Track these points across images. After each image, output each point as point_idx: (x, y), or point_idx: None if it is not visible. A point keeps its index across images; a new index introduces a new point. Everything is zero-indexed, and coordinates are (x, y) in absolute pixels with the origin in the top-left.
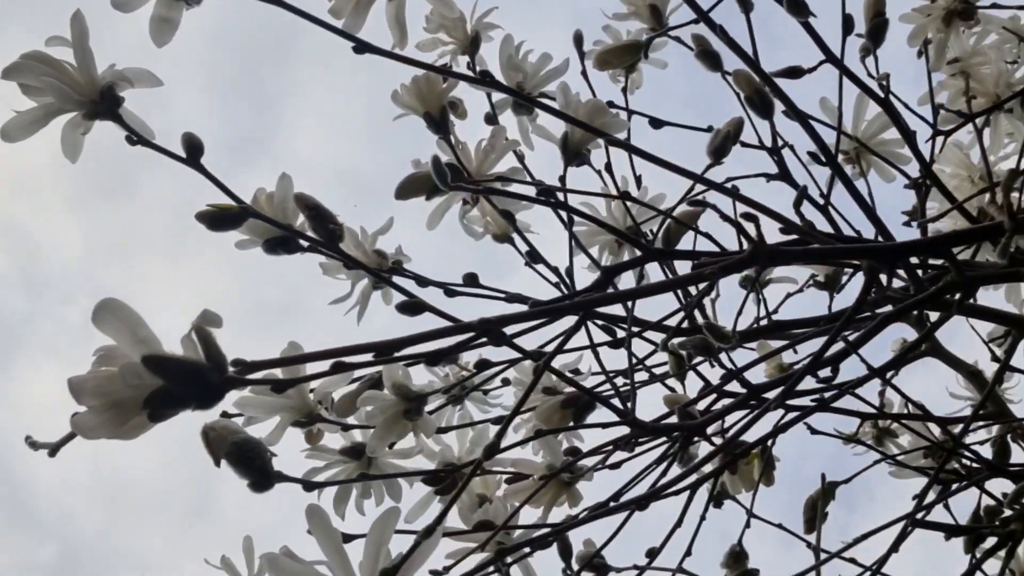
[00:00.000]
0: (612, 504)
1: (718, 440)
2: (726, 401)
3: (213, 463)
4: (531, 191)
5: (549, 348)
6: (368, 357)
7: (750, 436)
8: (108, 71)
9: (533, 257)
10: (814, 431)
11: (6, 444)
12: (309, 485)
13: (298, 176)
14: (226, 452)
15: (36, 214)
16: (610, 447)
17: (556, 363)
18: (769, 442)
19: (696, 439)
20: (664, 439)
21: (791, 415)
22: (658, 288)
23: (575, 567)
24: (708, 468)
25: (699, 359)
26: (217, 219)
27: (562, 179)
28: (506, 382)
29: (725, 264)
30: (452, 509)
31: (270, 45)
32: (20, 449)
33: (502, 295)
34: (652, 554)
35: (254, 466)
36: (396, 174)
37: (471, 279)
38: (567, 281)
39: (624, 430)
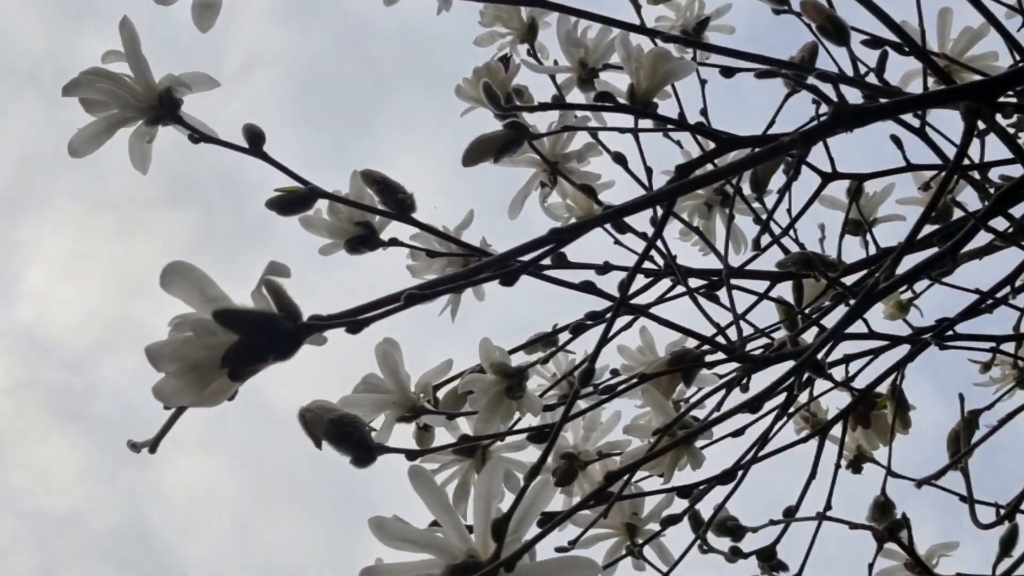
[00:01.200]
0: (738, 464)
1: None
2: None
3: (314, 446)
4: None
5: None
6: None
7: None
8: (165, 77)
9: (620, 227)
10: (943, 345)
11: (158, 533)
12: (412, 454)
13: None
14: (324, 431)
15: (157, 313)
16: (723, 391)
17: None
18: (898, 380)
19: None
20: (781, 388)
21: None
22: (742, 165)
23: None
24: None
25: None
26: (286, 203)
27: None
28: (615, 373)
29: (808, 130)
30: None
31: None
32: (172, 538)
33: (592, 267)
34: (790, 512)
35: (352, 440)
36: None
37: (559, 259)
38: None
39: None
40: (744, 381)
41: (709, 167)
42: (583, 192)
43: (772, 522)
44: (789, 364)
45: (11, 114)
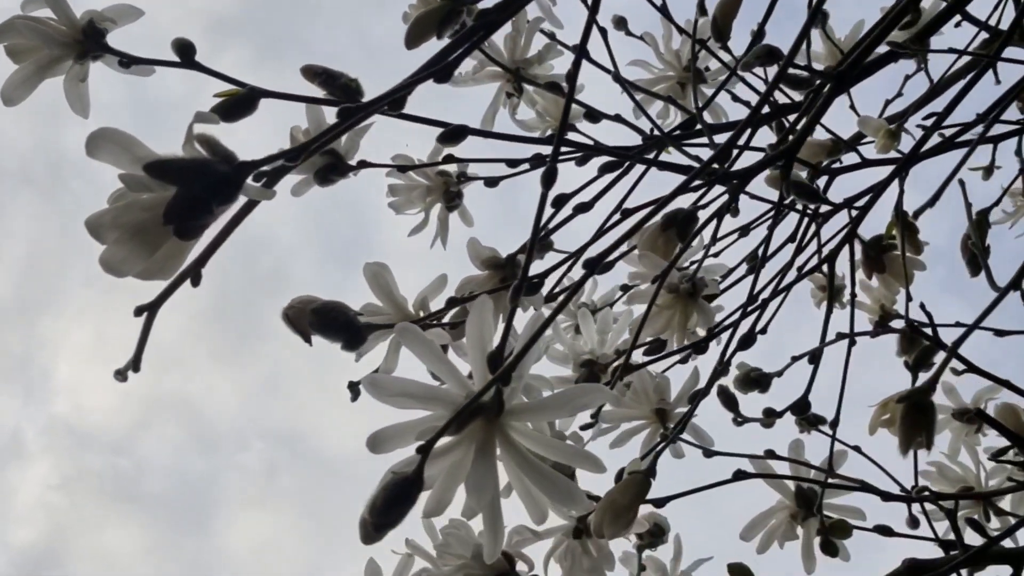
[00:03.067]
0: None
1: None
2: None
3: (304, 342)
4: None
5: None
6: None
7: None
8: (86, 12)
9: (593, 117)
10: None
11: None
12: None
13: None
14: (310, 323)
15: (188, 381)
16: (714, 221)
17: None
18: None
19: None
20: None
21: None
22: None
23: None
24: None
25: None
26: (229, 107)
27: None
28: (625, 288)
29: None
30: None
31: None
32: None
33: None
34: (815, 357)
35: (339, 324)
36: None
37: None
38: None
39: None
40: (733, 204)
41: None
42: (550, 91)
43: (793, 359)
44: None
45: (11, 214)
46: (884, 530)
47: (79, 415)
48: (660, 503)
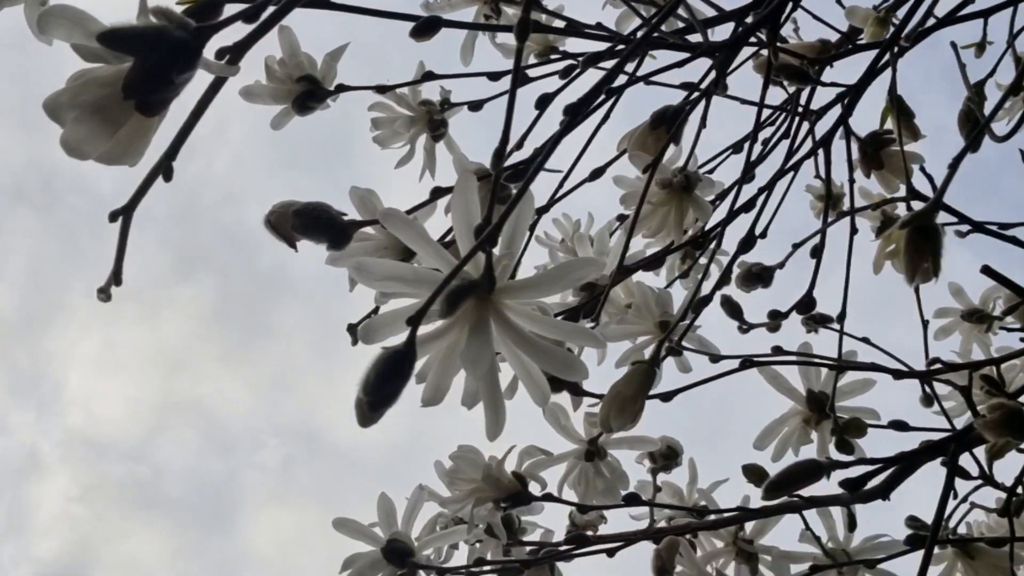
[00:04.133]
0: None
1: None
2: None
3: (290, 248)
4: None
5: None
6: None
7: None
8: None
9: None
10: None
11: None
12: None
13: None
14: (292, 225)
15: (199, 384)
16: (703, 101)
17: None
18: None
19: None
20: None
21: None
22: None
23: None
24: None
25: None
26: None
27: None
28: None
29: None
30: None
31: None
32: None
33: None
34: (817, 251)
35: (322, 223)
36: None
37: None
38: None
39: None
40: (720, 81)
41: None
42: (526, 9)
43: (794, 246)
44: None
45: (9, 230)
46: (899, 425)
47: (94, 425)
48: (667, 397)
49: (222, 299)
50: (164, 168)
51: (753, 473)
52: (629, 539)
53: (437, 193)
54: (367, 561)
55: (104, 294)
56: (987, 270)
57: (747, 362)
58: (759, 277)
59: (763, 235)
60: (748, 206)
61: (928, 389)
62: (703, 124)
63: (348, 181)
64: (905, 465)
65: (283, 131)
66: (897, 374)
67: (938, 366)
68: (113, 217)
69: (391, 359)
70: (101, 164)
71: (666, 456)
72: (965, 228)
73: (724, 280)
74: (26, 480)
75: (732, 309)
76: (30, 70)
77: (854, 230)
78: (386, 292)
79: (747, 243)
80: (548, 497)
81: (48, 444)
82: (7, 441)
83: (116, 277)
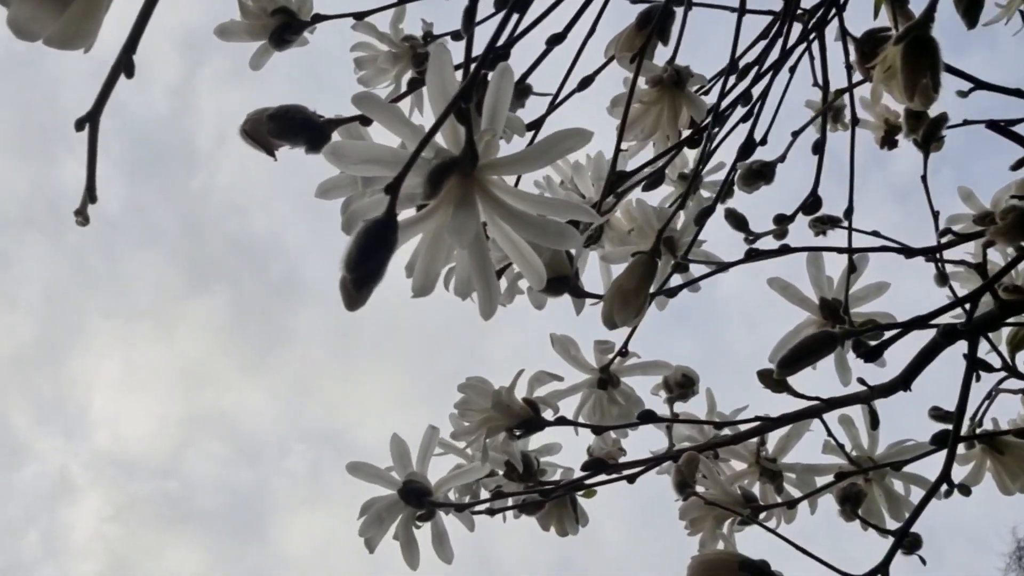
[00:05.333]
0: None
1: None
2: None
3: (269, 157)
4: None
5: None
6: None
7: None
8: None
9: None
10: None
11: None
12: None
13: None
14: (268, 130)
15: (222, 397)
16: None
17: None
18: None
19: None
20: None
21: None
22: None
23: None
24: None
25: None
26: None
27: None
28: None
29: None
30: None
31: None
32: None
33: None
34: (819, 146)
35: (298, 124)
36: None
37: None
38: None
39: None
40: None
41: None
42: None
43: (794, 135)
44: None
45: (20, 259)
46: (918, 322)
47: (121, 445)
48: (671, 292)
49: (237, 310)
50: (125, 63)
51: (769, 379)
52: (649, 463)
53: (414, 84)
54: (384, 504)
55: (81, 216)
56: (993, 125)
57: (752, 252)
58: (760, 174)
59: (763, 141)
60: (747, 116)
61: (941, 266)
62: (684, 23)
63: None
64: (924, 352)
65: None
66: (908, 252)
67: (950, 237)
68: (79, 125)
69: (371, 229)
70: (52, 48)
71: (682, 384)
72: (967, 87)
73: (727, 193)
74: (59, 504)
75: (737, 221)
76: (28, 100)
77: (855, 120)
78: (365, 176)
79: (747, 149)
80: (561, 421)
81: (78, 467)
82: (38, 467)
83: (90, 193)
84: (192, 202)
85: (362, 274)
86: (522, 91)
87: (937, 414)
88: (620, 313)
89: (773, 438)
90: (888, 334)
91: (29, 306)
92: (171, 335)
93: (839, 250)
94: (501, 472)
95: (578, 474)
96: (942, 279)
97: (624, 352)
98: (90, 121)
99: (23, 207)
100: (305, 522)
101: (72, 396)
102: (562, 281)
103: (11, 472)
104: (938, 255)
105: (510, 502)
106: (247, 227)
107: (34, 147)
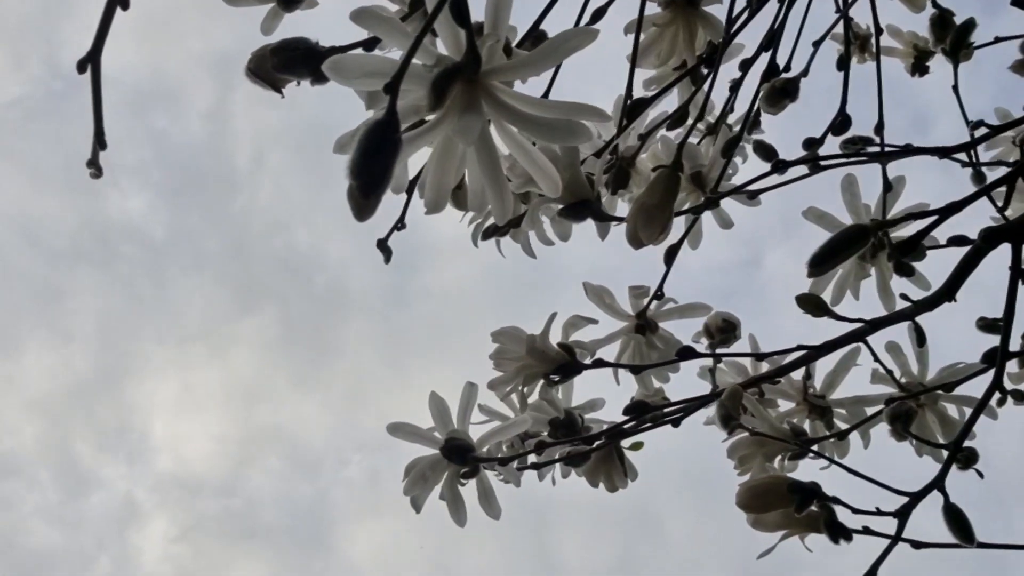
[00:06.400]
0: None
1: None
2: None
3: (276, 94)
4: None
5: None
6: None
7: None
8: None
9: None
10: None
11: None
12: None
13: None
14: (272, 66)
15: (277, 412)
16: None
17: None
18: None
19: None
20: None
21: None
22: None
23: None
24: None
25: None
26: None
27: None
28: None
29: None
30: None
31: None
32: None
33: None
34: (843, 62)
35: (301, 55)
36: None
37: None
38: None
39: None
40: None
41: None
42: None
43: (815, 44)
44: None
45: (72, 292)
46: (960, 240)
47: (183, 467)
48: (698, 210)
49: (286, 326)
50: None
51: (808, 302)
52: (693, 403)
53: (415, 5)
54: (428, 462)
55: (94, 167)
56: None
57: (779, 163)
58: (784, 91)
59: (787, 68)
60: (767, 45)
61: (975, 163)
62: None
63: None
64: (966, 260)
65: (318, 154)
66: (942, 152)
67: (983, 131)
68: (81, 67)
69: (373, 130)
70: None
71: (723, 329)
72: None
73: (753, 124)
74: (127, 528)
75: (766, 151)
76: (68, 135)
77: (879, 30)
78: (368, 90)
79: (770, 74)
80: (599, 363)
81: (142, 491)
82: (104, 495)
83: (99, 138)
84: (235, 223)
85: (368, 180)
86: (538, 38)
87: (984, 323)
88: (645, 230)
89: (820, 374)
90: (923, 224)
91: (84, 337)
92: (223, 355)
93: (871, 157)
94: (545, 433)
95: (621, 419)
96: (978, 177)
97: (660, 295)
98: (91, 61)
99: (72, 240)
100: (367, 530)
101: (132, 422)
102: (584, 204)
103: (79, 500)
104: (973, 151)
105: (556, 456)
106: (290, 243)
107: (79, 181)
